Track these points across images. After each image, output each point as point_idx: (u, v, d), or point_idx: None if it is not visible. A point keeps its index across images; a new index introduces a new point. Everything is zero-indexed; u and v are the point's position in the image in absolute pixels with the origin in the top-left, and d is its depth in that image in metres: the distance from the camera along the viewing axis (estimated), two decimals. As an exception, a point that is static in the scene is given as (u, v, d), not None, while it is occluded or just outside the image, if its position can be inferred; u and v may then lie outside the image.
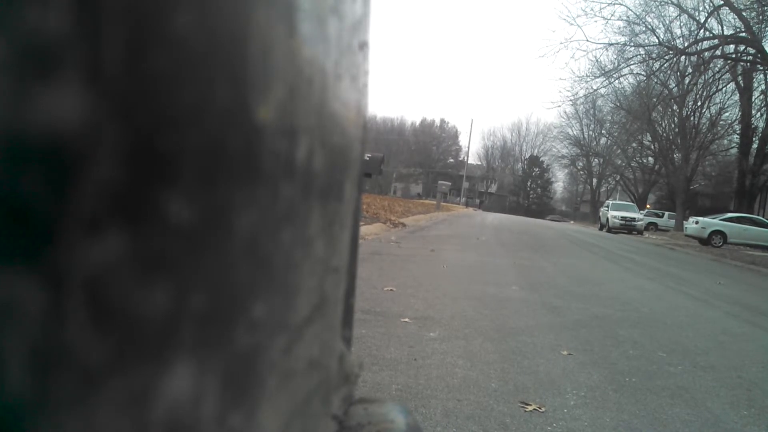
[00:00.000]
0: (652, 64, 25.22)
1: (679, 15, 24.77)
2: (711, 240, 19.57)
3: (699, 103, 30.71)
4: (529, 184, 65.57)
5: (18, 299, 0.12)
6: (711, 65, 24.34)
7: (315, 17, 0.20)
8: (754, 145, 26.44)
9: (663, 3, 24.81)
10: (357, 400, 0.29)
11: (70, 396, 0.13)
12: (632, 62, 25.77)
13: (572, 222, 47.54)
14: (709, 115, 32.00)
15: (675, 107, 31.10)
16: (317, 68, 0.21)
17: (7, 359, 0.12)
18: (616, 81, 28.22)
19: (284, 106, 0.19)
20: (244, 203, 0.18)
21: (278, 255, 0.20)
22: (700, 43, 23.59)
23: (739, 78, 25.89)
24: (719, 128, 32.22)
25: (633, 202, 37.58)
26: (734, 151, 30.94)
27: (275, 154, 0.19)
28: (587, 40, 36.26)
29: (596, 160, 53.89)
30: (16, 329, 0.12)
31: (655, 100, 29.02)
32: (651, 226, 32.34)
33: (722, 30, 23.43)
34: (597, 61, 36.47)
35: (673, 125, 33.80)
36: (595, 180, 56.00)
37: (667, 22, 25.84)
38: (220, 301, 0.17)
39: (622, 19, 26.42)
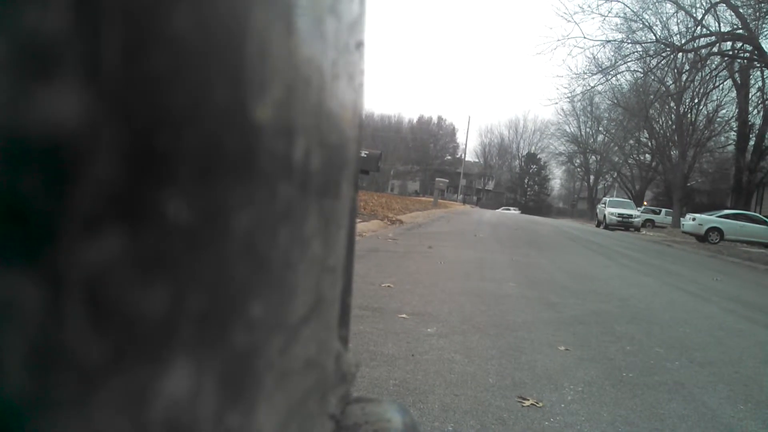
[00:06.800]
0: (650, 61, 25.18)
1: (676, 12, 24.72)
2: (708, 237, 19.59)
3: (696, 100, 30.70)
4: (526, 181, 65.56)
5: (17, 299, 0.12)
6: (708, 62, 24.32)
7: (313, 17, 0.20)
8: (751, 142, 26.43)
9: (660, 0, 24.82)
10: (354, 399, 0.29)
11: (69, 395, 0.13)
12: (629, 59, 25.72)
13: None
14: (706, 112, 32.01)
15: (672, 104, 31.06)
16: (315, 68, 0.21)
17: (6, 359, 0.12)
18: (614, 78, 28.11)
19: (282, 105, 0.19)
20: (242, 203, 0.18)
21: (275, 254, 0.20)
22: (697, 40, 23.56)
23: (736, 75, 25.86)
24: (716, 125, 32.22)
25: (630, 198, 37.62)
26: (731, 148, 30.95)
27: (272, 153, 0.19)
28: (584, 37, 36.22)
29: (593, 157, 53.86)
30: (14, 329, 0.12)
31: (652, 97, 28.98)
32: (648, 223, 32.33)
33: (719, 27, 23.42)
34: (594, 58, 36.48)
35: (670, 122, 33.79)
36: (592, 177, 55.99)
37: (665, 19, 25.78)
38: (218, 300, 0.17)
39: (619, 16, 26.39)
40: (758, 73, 25.73)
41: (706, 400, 2.61)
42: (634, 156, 43.49)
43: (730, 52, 23.69)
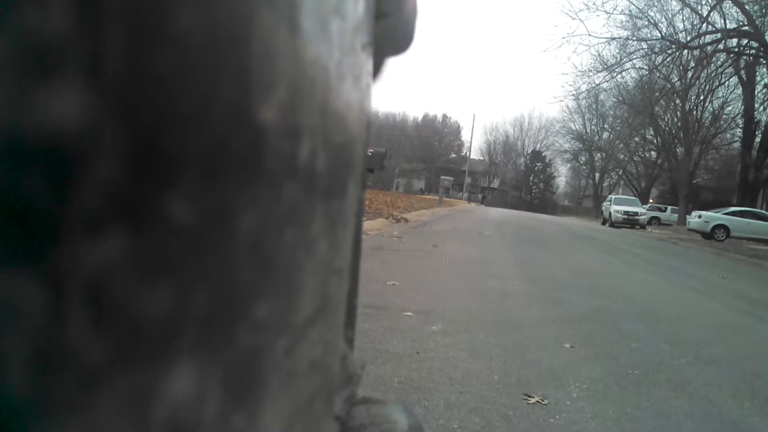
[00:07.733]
0: (655, 58, 25.07)
1: (682, 9, 24.61)
2: (714, 234, 19.52)
3: (702, 97, 30.60)
4: (531, 179, 65.38)
5: (19, 300, 0.12)
6: (714, 59, 24.22)
7: (318, 17, 0.20)
8: (757, 139, 26.33)
9: (665, -3, 24.69)
10: (359, 400, 0.29)
11: (72, 397, 0.13)
12: (635, 56, 25.65)
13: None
14: (711, 109, 31.89)
15: (678, 101, 30.97)
16: (320, 68, 0.21)
17: (8, 360, 0.12)
18: (619, 75, 28.05)
19: (287, 106, 0.19)
20: (247, 204, 0.18)
21: (281, 256, 0.20)
22: (702, 37, 23.45)
23: (742, 72, 25.74)
24: (722, 122, 32.10)
25: (636, 196, 37.51)
26: (737, 144, 30.80)
27: (278, 154, 0.19)
28: (589, 35, 35.99)
29: (599, 154, 53.68)
30: (17, 330, 0.12)
31: (657, 94, 28.90)
32: (654, 221, 32.21)
33: (725, 24, 23.31)
34: (599, 55, 36.41)
35: (675, 119, 33.68)
36: (597, 174, 55.82)
37: (670, 16, 25.67)
38: (223, 302, 0.17)
39: (624, 13, 26.34)
40: (764, 69, 25.62)
41: (712, 397, 2.60)
42: (640, 153, 43.38)
43: (736, 49, 23.59)
